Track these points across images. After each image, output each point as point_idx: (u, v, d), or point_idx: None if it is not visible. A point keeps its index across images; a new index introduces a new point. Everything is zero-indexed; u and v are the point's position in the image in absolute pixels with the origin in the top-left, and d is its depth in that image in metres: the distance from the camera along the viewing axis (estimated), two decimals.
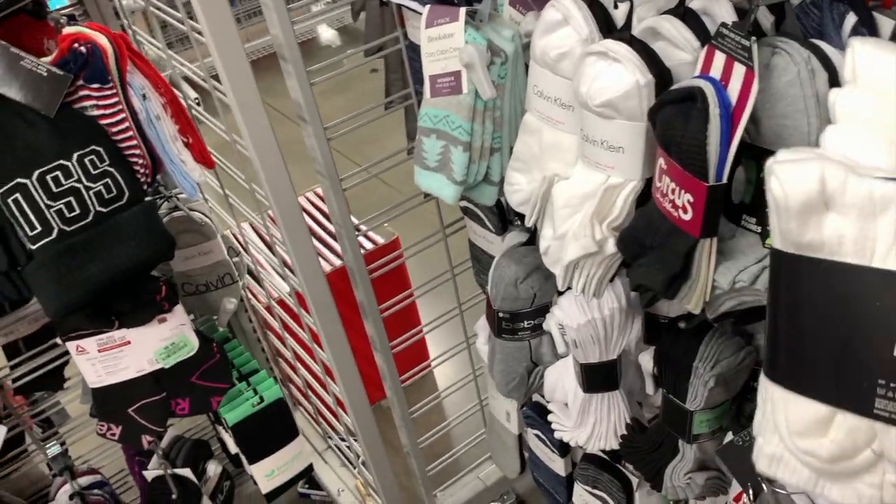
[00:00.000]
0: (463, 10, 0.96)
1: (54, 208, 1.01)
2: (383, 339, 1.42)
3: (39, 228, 1.01)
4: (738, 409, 1.04)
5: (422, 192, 1.11)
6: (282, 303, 1.67)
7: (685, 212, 0.72)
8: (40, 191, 1.00)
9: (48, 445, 1.58)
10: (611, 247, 0.84)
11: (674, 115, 0.71)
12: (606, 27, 0.87)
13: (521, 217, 1.24)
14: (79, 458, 1.63)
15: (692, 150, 0.69)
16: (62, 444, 1.60)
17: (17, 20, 1.10)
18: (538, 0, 0.99)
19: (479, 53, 0.94)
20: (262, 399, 1.48)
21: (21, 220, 1.00)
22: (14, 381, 1.49)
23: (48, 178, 1.01)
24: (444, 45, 0.99)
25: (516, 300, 1.17)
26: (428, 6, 1.02)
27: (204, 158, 1.22)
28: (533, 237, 1.19)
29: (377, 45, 1.29)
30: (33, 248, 1.01)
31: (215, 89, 1.22)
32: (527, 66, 0.96)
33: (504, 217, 1.28)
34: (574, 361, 1.13)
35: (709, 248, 0.73)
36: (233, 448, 1.57)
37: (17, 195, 1.00)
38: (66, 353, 1.53)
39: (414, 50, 1.17)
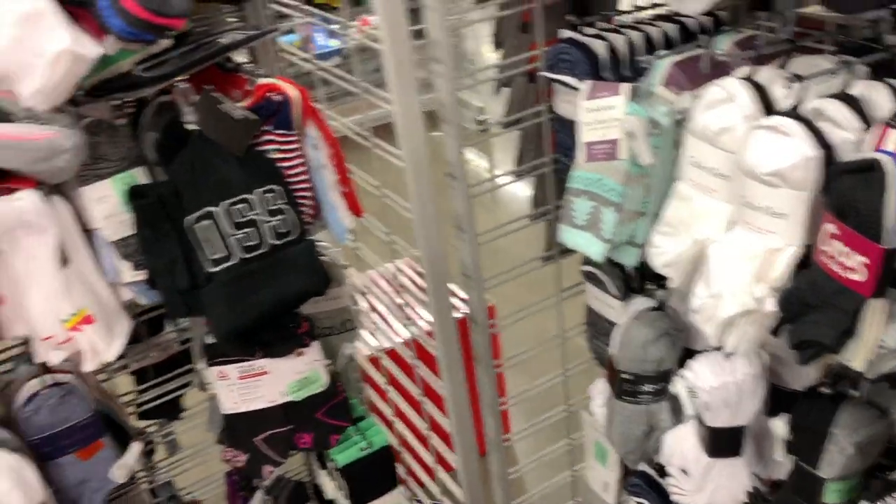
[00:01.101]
0: (627, 86, 1.06)
1: (236, 236, 1.11)
2: (494, 394, 1.47)
3: (222, 253, 1.10)
4: (866, 483, 1.06)
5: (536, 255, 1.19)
6: (393, 353, 1.73)
7: (857, 273, 0.78)
8: (225, 220, 1.11)
9: (157, 473, 1.64)
10: (769, 305, 0.90)
11: (851, 184, 0.78)
12: (766, 106, 0.96)
13: (649, 283, 1.31)
14: (182, 489, 1.69)
15: (869, 215, 0.76)
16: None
17: (207, 72, 1.24)
18: (693, 81, 1.08)
19: (642, 124, 1.03)
20: (370, 444, 1.53)
21: (206, 244, 1.10)
22: (139, 405, 1.57)
23: (233, 208, 1.11)
24: (604, 115, 1.08)
25: (643, 362, 1.22)
26: (588, 82, 1.12)
27: (355, 208, 1.32)
28: (662, 304, 1.25)
29: (517, 117, 1.40)
30: (214, 270, 1.11)
31: (377, 146, 1.33)
32: (678, 141, 1.05)
33: (627, 283, 1.34)
34: (699, 426, 1.16)
35: (879, 309, 0.78)
36: (329, 493, 1.61)
37: (207, 222, 1.10)
38: (187, 384, 1.62)
39: (560, 122, 1.27)
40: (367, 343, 1.85)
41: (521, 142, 1.48)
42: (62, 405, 1.28)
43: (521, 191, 1.72)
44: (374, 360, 1.82)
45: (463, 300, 2.07)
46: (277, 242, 1.15)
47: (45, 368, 1.26)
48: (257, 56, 1.43)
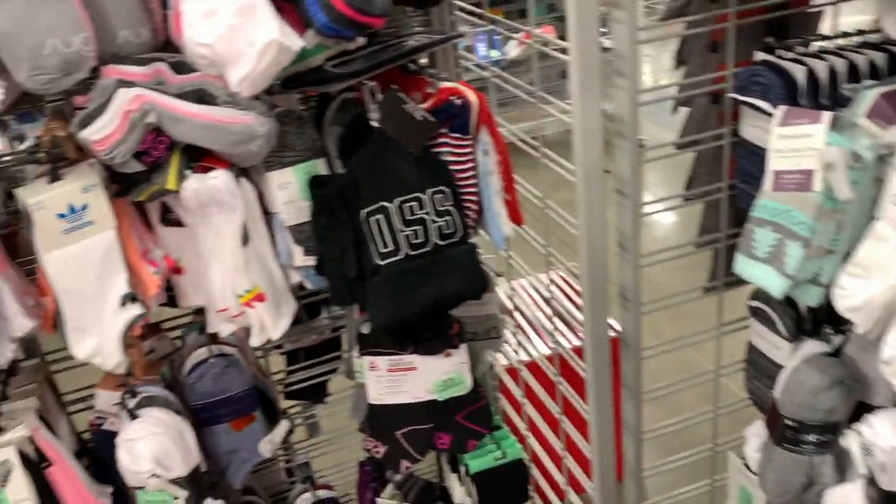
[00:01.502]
0: (828, 115, 1.00)
1: (405, 233, 1.14)
2: (639, 423, 1.42)
3: (390, 248, 1.13)
4: None
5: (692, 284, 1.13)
6: (533, 366, 1.71)
7: None
8: (398, 216, 1.13)
9: (296, 453, 1.70)
10: None
11: None
12: None
13: (825, 326, 1.22)
14: (317, 471, 1.74)
15: None
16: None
17: (391, 72, 1.27)
18: None
19: (843, 156, 0.97)
20: (504, 455, 1.52)
21: (377, 237, 1.13)
22: (286, 385, 1.63)
23: (406, 206, 1.14)
24: (799, 144, 1.02)
25: (811, 410, 1.14)
26: (783, 107, 1.06)
27: (516, 216, 1.32)
28: (837, 350, 1.16)
29: (694, 139, 1.35)
30: (381, 263, 1.14)
31: (545, 156, 1.32)
32: (880, 177, 0.97)
33: (799, 323, 1.26)
34: (869, 487, 1.07)
35: None
36: (457, 498, 1.61)
37: (380, 216, 1.13)
38: (335, 370, 1.67)
39: (744, 147, 1.21)
40: (507, 353, 1.84)
41: (694, 164, 1.42)
42: (224, 375, 1.35)
43: (665, 217, 1.68)
44: (512, 372, 1.80)
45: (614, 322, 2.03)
46: (441, 242, 1.17)
47: (213, 339, 1.34)
48: (436, 60, 1.46)
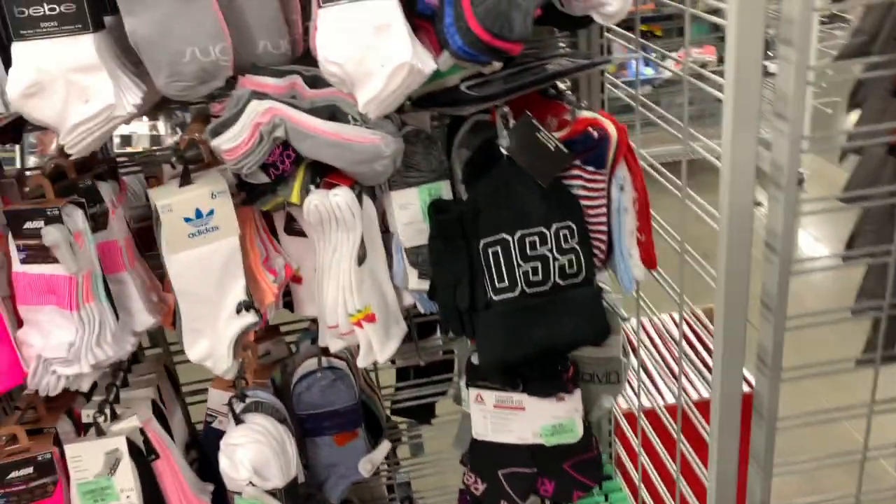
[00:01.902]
0: None
1: (523, 269, 1.07)
2: (766, 498, 1.28)
3: (506, 283, 1.07)
4: None
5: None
6: (652, 415, 1.60)
7: None
8: (517, 250, 1.07)
9: (398, 470, 1.68)
10: None
11: None
12: None
13: None
14: (416, 492, 1.71)
15: None
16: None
17: (527, 95, 1.21)
18: None
19: None
20: None
21: (493, 270, 1.08)
22: (394, 402, 1.61)
23: (527, 240, 1.08)
24: None
25: None
26: None
27: (650, 258, 1.22)
28: None
29: (864, 193, 1.20)
30: (495, 298, 1.08)
31: (688, 197, 1.22)
32: None
33: None
34: None
35: None
36: None
37: (498, 248, 1.07)
38: (444, 392, 1.64)
39: None
40: (627, 396, 1.73)
41: (860, 220, 1.27)
42: (331, 388, 1.34)
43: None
44: (631, 417, 1.69)
45: (750, 376, 1.87)
46: (562, 282, 1.10)
47: (324, 350, 1.33)
48: (579, 82, 1.39)
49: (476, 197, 1.10)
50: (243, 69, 1.05)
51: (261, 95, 1.02)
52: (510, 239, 1.07)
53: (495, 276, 1.08)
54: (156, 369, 1.39)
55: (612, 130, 1.09)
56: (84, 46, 0.93)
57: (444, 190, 1.19)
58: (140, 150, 1.66)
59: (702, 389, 1.88)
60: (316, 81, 1.08)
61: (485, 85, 1.13)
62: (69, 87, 0.94)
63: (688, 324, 2.10)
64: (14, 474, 1.16)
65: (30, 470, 1.17)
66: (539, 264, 1.08)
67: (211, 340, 1.14)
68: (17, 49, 0.92)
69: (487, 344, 1.10)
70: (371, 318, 1.14)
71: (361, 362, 1.16)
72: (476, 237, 1.09)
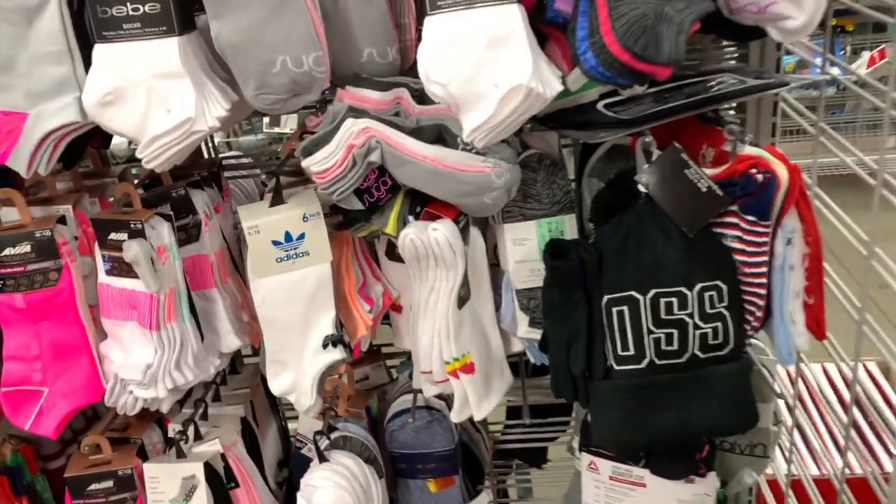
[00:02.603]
0: None
1: (654, 335, 0.89)
2: None
3: (631, 352, 0.89)
4: None
5: None
6: (797, 485, 1.36)
7: None
8: (649, 312, 0.89)
9: None
10: None
11: None
12: None
13: None
14: None
15: None
16: None
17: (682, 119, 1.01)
18: None
19: None
20: None
21: (617, 334, 0.90)
22: (501, 442, 1.46)
23: (662, 301, 0.88)
24: None
25: None
26: None
27: (818, 326, 0.99)
28: None
29: None
30: (616, 367, 0.90)
31: (872, 256, 0.97)
32: None
33: None
34: None
35: None
36: None
37: (625, 308, 0.89)
38: (557, 437, 1.47)
39: None
40: (774, 464, 1.48)
41: None
42: (427, 430, 1.22)
43: None
44: (775, 486, 1.45)
45: None
46: (702, 355, 0.90)
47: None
48: (746, 104, 1.15)
49: (603, 242, 0.92)
50: (345, 79, 0.93)
51: (359, 112, 0.89)
52: (641, 299, 0.88)
53: (619, 342, 0.89)
54: (251, 382, 1.32)
55: (782, 174, 0.87)
56: (168, 50, 0.84)
57: (567, 226, 1.01)
58: (245, 154, 1.53)
59: (886, 462, 1.59)
60: (425, 96, 0.93)
61: (628, 104, 0.94)
62: (150, 94, 0.85)
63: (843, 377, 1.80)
64: (94, 486, 1.12)
65: (110, 483, 1.12)
66: (675, 331, 0.88)
67: (295, 373, 1.04)
68: (98, 52, 0.84)
69: (604, 422, 0.93)
70: (469, 369, 1.00)
71: (455, 417, 1.02)
72: (599, 292, 0.91)
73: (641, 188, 0.91)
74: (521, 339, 1.05)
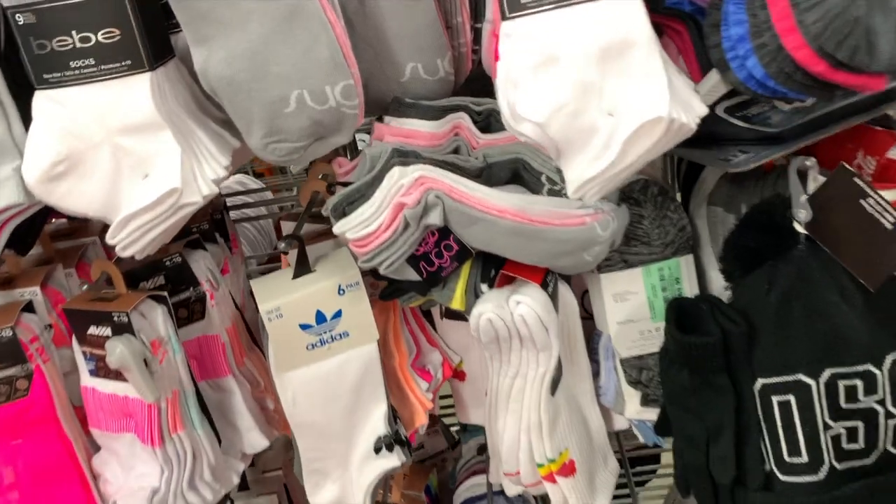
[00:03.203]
0: None
1: (832, 431, 0.65)
2: None
3: (804, 458, 0.65)
4: None
5: None
6: None
7: None
8: (824, 400, 0.64)
9: None
10: None
11: None
12: None
13: None
14: None
15: None
16: None
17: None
18: None
19: None
20: None
21: (781, 433, 0.66)
22: None
23: (841, 384, 0.64)
24: None
25: None
26: None
27: None
28: None
29: None
30: (782, 478, 0.66)
31: None
32: None
33: None
34: None
35: None
36: None
37: (791, 397, 0.65)
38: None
39: None
40: None
41: None
42: None
43: None
44: None
45: None
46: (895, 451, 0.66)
47: None
48: None
49: (751, 304, 0.68)
50: (378, 106, 0.68)
51: (407, 154, 0.65)
52: (813, 384, 0.64)
53: (784, 444, 0.66)
54: (284, 458, 1.10)
55: None
56: (137, 93, 0.59)
57: (684, 271, 0.77)
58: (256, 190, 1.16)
59: None
60: (491, 120, 0.69)
61: (753, 106, 0.69)
62: (118, 156, 0.61)
63: None
64: None
65: None
66: (860, 424, 0.64)
67: (341, 484, 0.81)
68: (39, 103, 0.60)
69: None
70: (569, 470, 0.77)
71: None
72: (750, 373, 0.67)
73: (799, 228, 0.66)
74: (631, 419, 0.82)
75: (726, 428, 0.68)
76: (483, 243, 0.65)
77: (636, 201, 0.75)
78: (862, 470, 0.65)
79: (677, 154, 0.78)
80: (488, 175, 0.67)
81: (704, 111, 0.54)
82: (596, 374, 0.83)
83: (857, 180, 0.64)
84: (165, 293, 0.77)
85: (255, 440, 0.86)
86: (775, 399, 0.66)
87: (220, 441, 0.83)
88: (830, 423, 0.65)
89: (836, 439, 0.65)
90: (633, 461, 1.19)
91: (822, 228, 0.66)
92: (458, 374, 0.92)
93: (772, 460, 0.67)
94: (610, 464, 0.83)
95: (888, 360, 0.64)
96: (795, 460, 0.65)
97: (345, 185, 0.67)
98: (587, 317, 0.84)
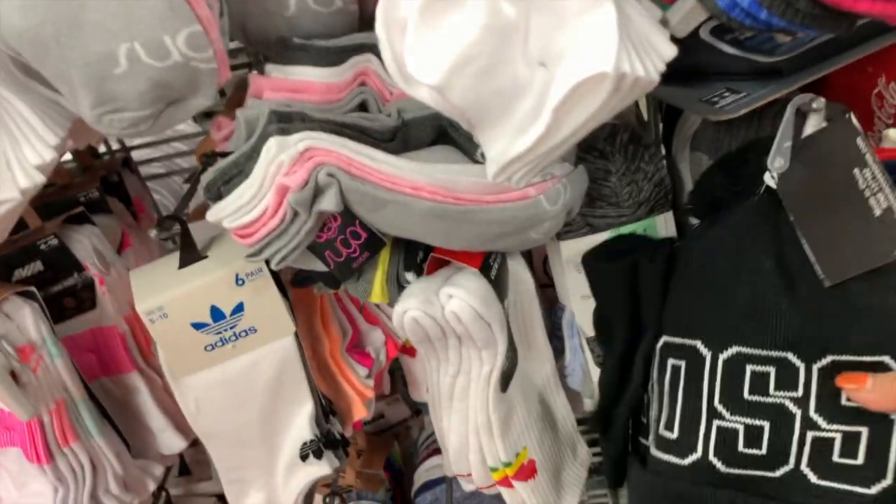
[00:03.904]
0: None
1: (723, 423, 0.51)
2: None
3: (674, 434, 0.52)
4: None
5: None
6: None
7: None
8: (718, 381, 0.51)
9: None
10: None
11: None
12: None
13: None
14: None
15: None
16: None
17: None
18: None
19: None
20: None
21: (666, 401, 0.52)
22: None
23: (749, 368, 0.50)
24: None
25: None
26: None
27: None
28: None
29: None
30: (653, 452, 0.54)
31: None
32: None
33: None
34: None
35: None
36: None
37: (682, 364, 0.51)
38: None
39: None
40: None
41: None
42: (473, 499, 0.89)
43: None
44: None
45: None
46: (814, 478, 0.52)
47: None
48: None
49: (679, 254, 0.55)
50: (259, 56, 0.53)
51: (292, 116, 0.50)
52: (707, 356, 0.52)
53: (665, 414, 0.54)
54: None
55: None
56: None
57: (661, 230, 0.64)
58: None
59: None
60: None
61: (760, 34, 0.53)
62: None
63: None
64: None
65: None
66: (765, 424, 0.51)
67: (268, 492, 0.70)
68: None
69: None
70: (528, 473, 0.65)
71: None
72: (657, 327, 0.54)
73: (768, 178, 0.52)
74: None
75: (614, 381, 0.57)
76: (397, 229, 0.51)
77: (601, 153, 0.60)
78: (767, 485, 0.51)
79: (673, 102, 0.63)
80: (405, 136, 0.52)
81: (672, 54, 0.38)
82: (560, 354, 0.70)
83: (860, 142, 0.49)
84: (32, 287, 0.64)
85: (170, 441, 0.74)
86: (670, 362, 0.54)
87: (129, 446, 0.72)
88: (723, 412, 0.51)
89: (727, 434, 0.51)
90: None
91: (796, 187, 0.51)
92: (408, 350, 0.80)
93: (650, 431, 0.55)
94: (580, 455, 0.71)
95: (825, 360, 0.50)
96: (667, 434, 0.54)
97: (224, 155, 0.53)
98: (549, 284, 0.71)
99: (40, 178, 0.47)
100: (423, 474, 0.89)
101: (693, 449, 0.53)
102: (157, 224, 0.57)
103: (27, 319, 0.63)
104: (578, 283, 0.65)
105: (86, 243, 0.70)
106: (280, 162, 0.47)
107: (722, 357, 0.52)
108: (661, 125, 0.70)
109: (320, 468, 0.67)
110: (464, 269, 0.55)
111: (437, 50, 0.36)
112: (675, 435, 0.54)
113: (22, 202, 0.47)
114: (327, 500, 0.83)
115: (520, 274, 0.63)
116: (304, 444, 0.66)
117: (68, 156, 0.83)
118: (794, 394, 0.50)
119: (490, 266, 0.57)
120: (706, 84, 0.55)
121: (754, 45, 0.53)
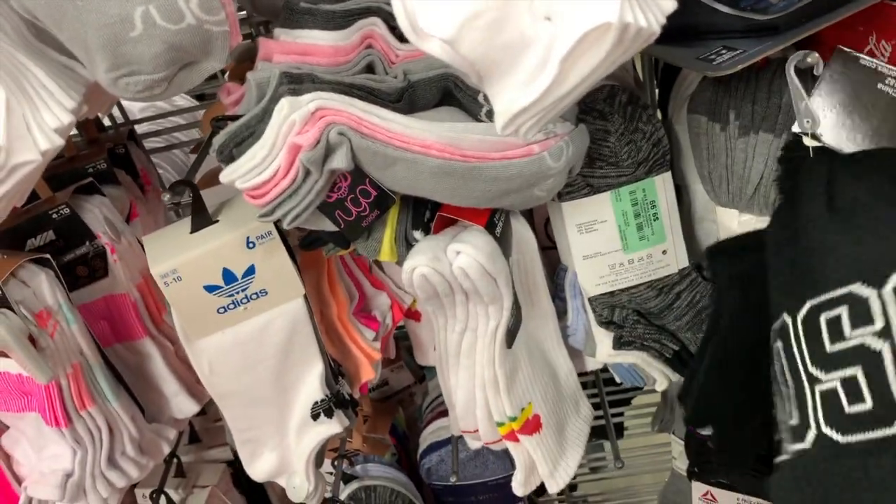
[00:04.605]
0: None
1: (821, 385, 0.53)
2: None
3: (794, 420, 0.54)
4: None
5: None
6: None
7: None
8: (804, 343, 0.53)
9: None
10: None
11: None
12: None
13: None
14: None
15: None
16: None
17: None
18: None
19: None
20: None
21: (781, 389, 0.55)
22: None
23: (823, 318, 0.52)
24: None
25: None
26: None
27: None
28: None
29: None
30: (786, 452, 0.56)
31: None
32: None
33: None
34: None
35: None
36: None
37: (779, 343, 0.54)
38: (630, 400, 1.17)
39: None
40: None
41: None
42: (475, 460, 0.91)
43: None
44: None
45: None
46: None
47: None
48: None
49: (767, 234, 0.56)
50: (274, 14, 0.54)
51: (301, 78, 0.51)
52: (790, 322, 0.53)
53: (783, 402, 0.55)
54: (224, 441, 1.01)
55: None
56: None
57: (660, 191, 0.65)
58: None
59: None
60: None
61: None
62: None
63: None
64: None
65: None
66: (858, 371, 0.52)
67: (280, 452, 0.72)
68: None
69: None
70: (533, 427, 0.67)
71: (519, 490, 0.71)
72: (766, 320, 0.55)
73: (808, 141, 0.54)
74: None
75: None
76: (406, 187, 0.52)
77: (600, 113, 0.62)
78: (876, 444, 0.49)
79: (672, 61, 0.64)
80: (411, 97, 0.53)
81: (672, 6, 0.40)
82: (563, 314, 0.72)
83: (863, 62, 0.51)
84: (48, 255, 0.65)
85: (183, 405, 0.76)
86: (774, 346, 0.55)
87: (143, 410, 0.73)
88: (818, 374, 0.51)
89: (829, 397, 0.51)
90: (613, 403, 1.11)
91: (837, 130, 0.53)
92: (413, 315, 0.82)
93: (783, 428, 0.55)
94: (582, 411, 0.73)
95: (893, 281, 0.49)
96: (789, 422, 0.55)
97: (234, 118, 0.54)
98: (551, 247, 0.73)
99: (59, 141, 0.49)
100: (428, 436, 0.91)
101: (807, 426, 0.49)
102: (169, 188, 0.58)
103: (43, 285, 0.64)
104: (581, 243, 0.66)
105: (96, 213, 0.71)
106: (292, 122, 0.48)
107: (799, 318, 0.49)
108: (656, 88, 0.72)
109: (331, 427, 0.69)
110: (470, 226, 0.57)
111: (447, 4, 0.38)
112: (795, 420, 0.51)
113: (42, 164, 0.49)
114: (335, 463, 0.85)
115: (522, 233, 0.65)
116: (316, 403, 0.68)
117: (73, 129, 0.84)
118: (871, 328, 0.46)
119: (495, 224, 0.58)
120: (703, 42, 0.56)
121: (749, 4, 0.55)
